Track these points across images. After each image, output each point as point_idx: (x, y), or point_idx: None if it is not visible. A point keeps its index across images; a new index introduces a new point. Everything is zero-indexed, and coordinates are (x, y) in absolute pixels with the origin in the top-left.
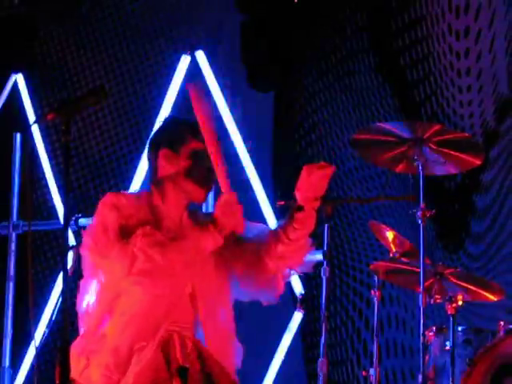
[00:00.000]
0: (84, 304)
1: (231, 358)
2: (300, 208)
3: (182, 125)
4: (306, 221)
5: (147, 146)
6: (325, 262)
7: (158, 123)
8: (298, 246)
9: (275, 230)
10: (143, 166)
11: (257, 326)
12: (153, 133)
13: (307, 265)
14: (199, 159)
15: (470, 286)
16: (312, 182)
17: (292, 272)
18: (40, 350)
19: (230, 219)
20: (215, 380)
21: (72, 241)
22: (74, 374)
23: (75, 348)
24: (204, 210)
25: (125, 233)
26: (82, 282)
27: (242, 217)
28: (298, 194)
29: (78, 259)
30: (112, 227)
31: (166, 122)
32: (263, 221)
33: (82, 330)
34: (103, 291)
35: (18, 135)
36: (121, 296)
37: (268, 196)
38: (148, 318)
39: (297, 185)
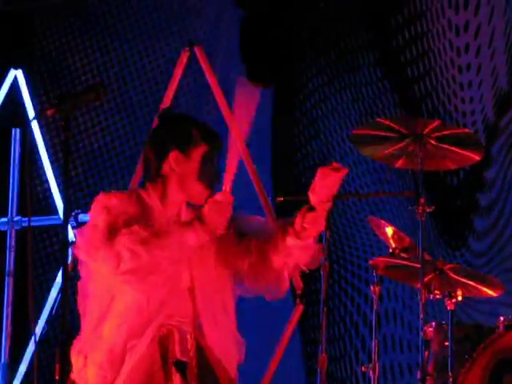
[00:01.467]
0: (82, 305)
1: (232, 353)
2: (311, 208)
3: (192, 125)
4: (317, 221)
5: (149, 142)
6: (324, 258)
7: (160, 119)
8: (307, 245)
9: (283, 227)
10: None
11: (257, 320)
12: (156, 129)
13: (314, 262)
14: (208, 163)
15: (469, 282)
16: (327, 185)
17: (296, 270)
18: (40, 346)
19: (215, 218)
20: (215, 376)
21: (72, 236)
22: (72, 373)
23: (74, 348)
24: None
25: (112, 233)
26: (79, 283)
27: (227, 219)
28: (312, 197)
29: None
30: (100, 227)
31: (173, 120)
32: (262, 216)
33: (80, 331)
34: (99, 292)
35: (18, 130)
36: (115, 297)
37: (267, 191)
38: (141, 314)
39: (311, 188)
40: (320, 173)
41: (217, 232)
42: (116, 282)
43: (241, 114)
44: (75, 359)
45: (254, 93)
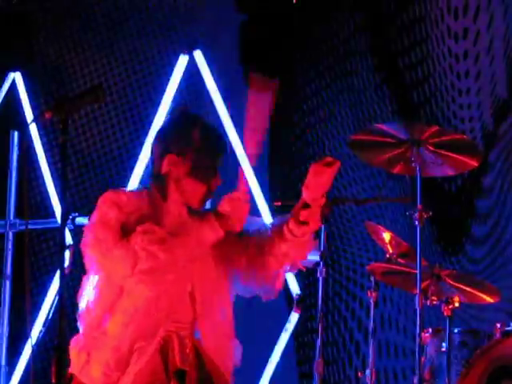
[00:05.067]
0: (86, 300)
1: (229, 357)
2: (306, 206)
3: (192, 124)
4: (313, 217)
5: (154, 140)
6: (321, 263)
7: (167, 115)
8: (303, 242)
9: (278, 226)
10: (140, 165)
11: (252, 326)
12: (162, 128)
13: (308, 260)
14: (206, 165)
15: (466, 288)
16: (321, 182)
17: (292, 268)
18: (36, 349)
19: (235, 214)
20: (213, 382)
21: (69, 240)
22: (74, 369)
23: (76, 343)
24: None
25: (126, 231)
26: (84, 278)
27: (244, 217)
28: (306, 194)
29: (74, 258)
30: (113, 225)
31: (176, 118)
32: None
33: (81, 326)
34: (105, 287)
35: (16, 133)
36: (123, 293)
37: (264, 196)
38: (149, 316)
39: (305, 184)
40: (313, 169)
41: (235, 229)
42: (131, 282)
43: (255, 113)
44: (76, 354)
45: (267, 92)
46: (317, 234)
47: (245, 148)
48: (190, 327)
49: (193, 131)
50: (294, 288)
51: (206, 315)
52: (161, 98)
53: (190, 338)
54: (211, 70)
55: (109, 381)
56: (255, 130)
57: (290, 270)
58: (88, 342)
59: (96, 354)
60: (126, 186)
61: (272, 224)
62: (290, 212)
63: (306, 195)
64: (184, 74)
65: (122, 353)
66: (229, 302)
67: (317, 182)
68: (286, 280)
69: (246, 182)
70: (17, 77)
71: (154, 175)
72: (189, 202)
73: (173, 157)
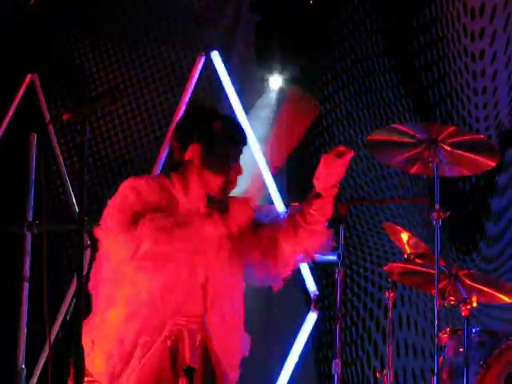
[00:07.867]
0: (94, 286)
1: (236, 352)
2: (318, 195)
3: (213, 114)
4: (325, 207)
5: (175, 131)
6: (339, 263)
7: (187, 110)
8: (316, 231)
9: (291, 215)
10: (158, 166)
11: (270, 326)
12: (182, 119)
13: (324, 248)
14: (225, 148)
15: (484, 288)
16: (331, 172)
17: (306, 258)
18: (54, 351)
19: (237, 216)
20: (215, 378)
21: (86, 241)
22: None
23: (83, 329)
24: None
25: (137, 218)
26: (93, 264)
27: (246, 221)
28: (316, 183)
29: (91, 259)
30: (126, 211)
31: (196, 109)
32: None
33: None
34: (112, 276)
35: (34, 135)
36: (127, 284)
37: (282, 195)
38: (155, 310)
39: (315, 175)
40: (324, 160)
41: (233, 230)
42: (132, 267)
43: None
44: (83, 341)
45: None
46: (335, 235)
47: (269, 158)
48: (200, 320)
49: (215, 121)
50: (312, 288)
51: (216, 309)
52: (178, 99)
53: (200, 332)
54: (228, 71)
55: (112, 371)
56: (284, 145)
57: (303, 260)
58: (91, 329)
59: (100, 343)
60: None
61: (286, 213)
62: (304, 202)
63: (317, 185)
64: (201, 74)
65: (125, 345)
66: (240, 296)
67: (327, 173)
68: (303, 280)
69: (258, 187)
70: (34, 78)
71: (175, 165)
72: (211, 191)
73: (197, 146)
